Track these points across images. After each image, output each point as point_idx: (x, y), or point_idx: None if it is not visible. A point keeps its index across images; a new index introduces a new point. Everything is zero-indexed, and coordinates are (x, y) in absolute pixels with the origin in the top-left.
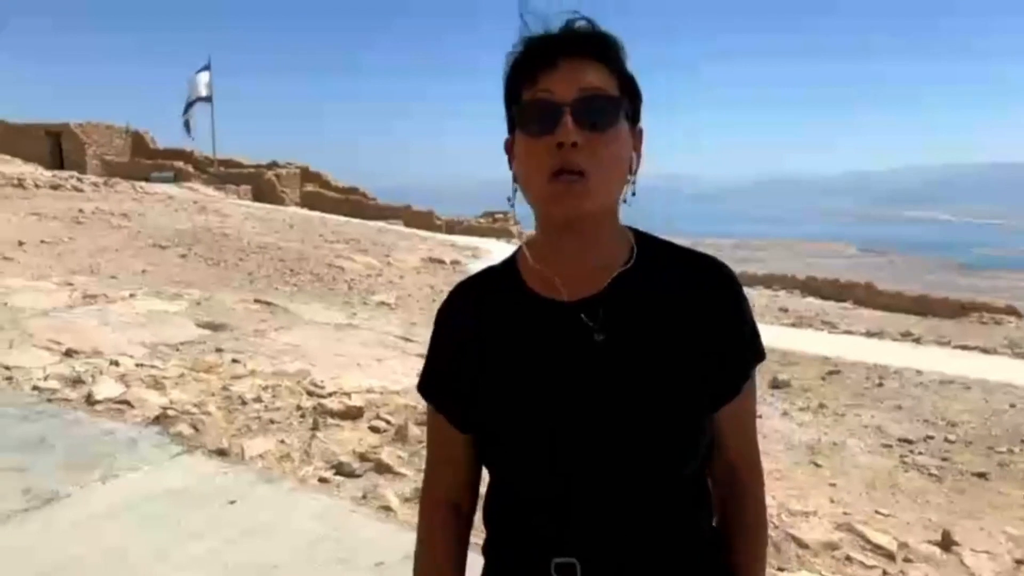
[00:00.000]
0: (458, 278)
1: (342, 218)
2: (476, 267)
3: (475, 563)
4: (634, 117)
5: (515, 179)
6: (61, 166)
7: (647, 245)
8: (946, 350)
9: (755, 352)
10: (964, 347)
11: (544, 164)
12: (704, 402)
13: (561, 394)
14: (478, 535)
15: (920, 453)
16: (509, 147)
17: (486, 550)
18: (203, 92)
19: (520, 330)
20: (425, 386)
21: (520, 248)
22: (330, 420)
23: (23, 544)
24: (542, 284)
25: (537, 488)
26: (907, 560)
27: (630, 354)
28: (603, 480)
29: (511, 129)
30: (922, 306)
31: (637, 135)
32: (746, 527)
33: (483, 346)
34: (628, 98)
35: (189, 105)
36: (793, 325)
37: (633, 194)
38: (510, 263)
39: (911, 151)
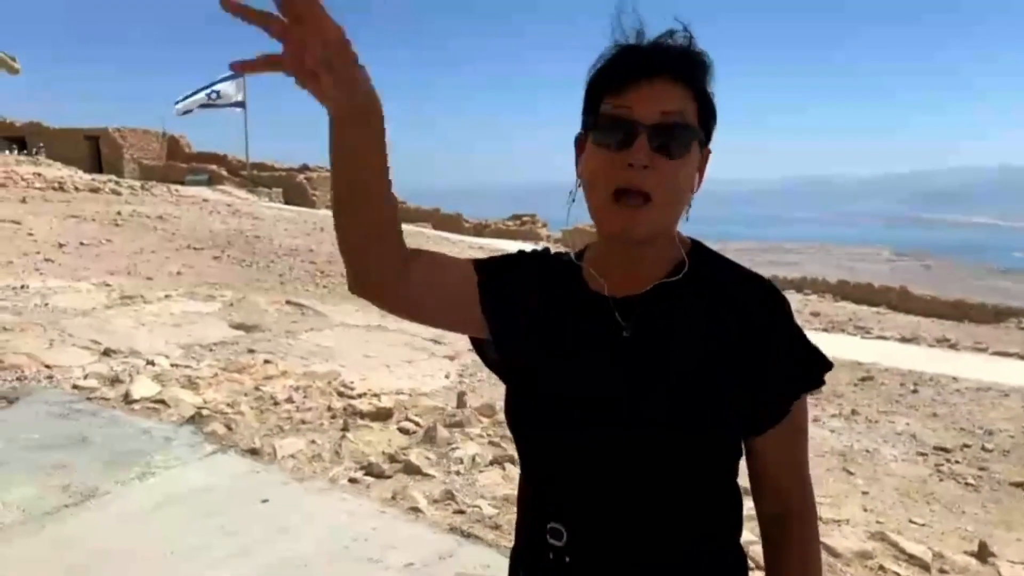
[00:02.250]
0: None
1: None
2: None
3: (487, 558)
4: (707, 140)
5: (579, 175)
6: (100, 170)
7: (701, 258)
8: (983, 356)
9: (805, 378)
10: (1002, 353)
11: (611, 178)
12: (723, 417)
13: (583, 378)
14: (489, 530)
15: (956, 462)
16: (581, 144)
17: (516, 527)
18: (238, 97)
19: (564, 312)
20: (480, 265)
21: (588, 245)
22: (360, 421)
23: (66, 537)
24: (593, 280)
25: (540, 455)
26: (942, 571)
27: (653, 355)
28: (600, 463)
29: (585, 127)
30: (958, 311)
31: (704, 156)
32: (787, 564)
33: (533, 310)
34: (704, 125)
35: (197, 99)
36: (825, 330)
37: (687, 216)
38: (580, 255)
39: (949, 153)
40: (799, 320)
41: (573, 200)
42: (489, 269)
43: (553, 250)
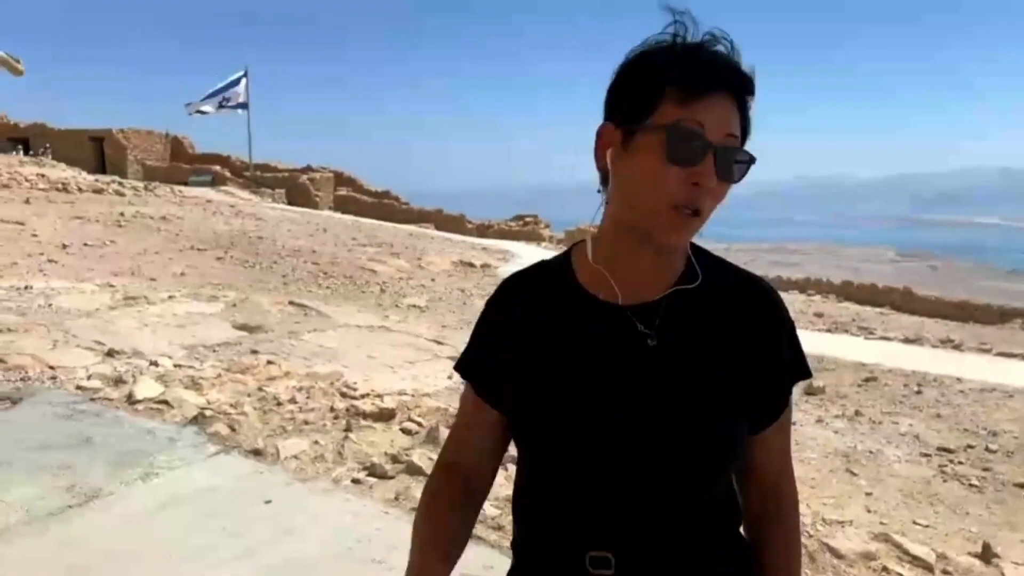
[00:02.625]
0: (489, 281)
1: (374, 221)
2: (507, 270)
3: (490, 558)
4: None
5: (604, 170)
6: (104, 170)
7: (704, 261)
8: (987, 357)
9: (796, 375)
10: (1007, 354)
11: (671, 193)
12: (742, 418)
13: (609, 392)
14: (491, 530)
15: (960, 463)
16: (607, 135)
17: (516, 546)
18: (242, 98)
19: (570, 326)
20: (465, 365)
21: (574, 246)
22: (363, 422)
23: (70, 538)
24: (596, 284)
25: (577, 480)
26: (946, 572)
27: (680, 362)
28: (640, 479)
29: (612, 116)
30: (963, 312)
31: None
32: (783, 543)
33: (531, 336)
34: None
35: (220, 105)
36: (828, 331)
37: None
38: (564, 259)
39: (949, 153)
40: (802, 320)
41: (607, 201)
42: (472, 364)
43: (551, 254)
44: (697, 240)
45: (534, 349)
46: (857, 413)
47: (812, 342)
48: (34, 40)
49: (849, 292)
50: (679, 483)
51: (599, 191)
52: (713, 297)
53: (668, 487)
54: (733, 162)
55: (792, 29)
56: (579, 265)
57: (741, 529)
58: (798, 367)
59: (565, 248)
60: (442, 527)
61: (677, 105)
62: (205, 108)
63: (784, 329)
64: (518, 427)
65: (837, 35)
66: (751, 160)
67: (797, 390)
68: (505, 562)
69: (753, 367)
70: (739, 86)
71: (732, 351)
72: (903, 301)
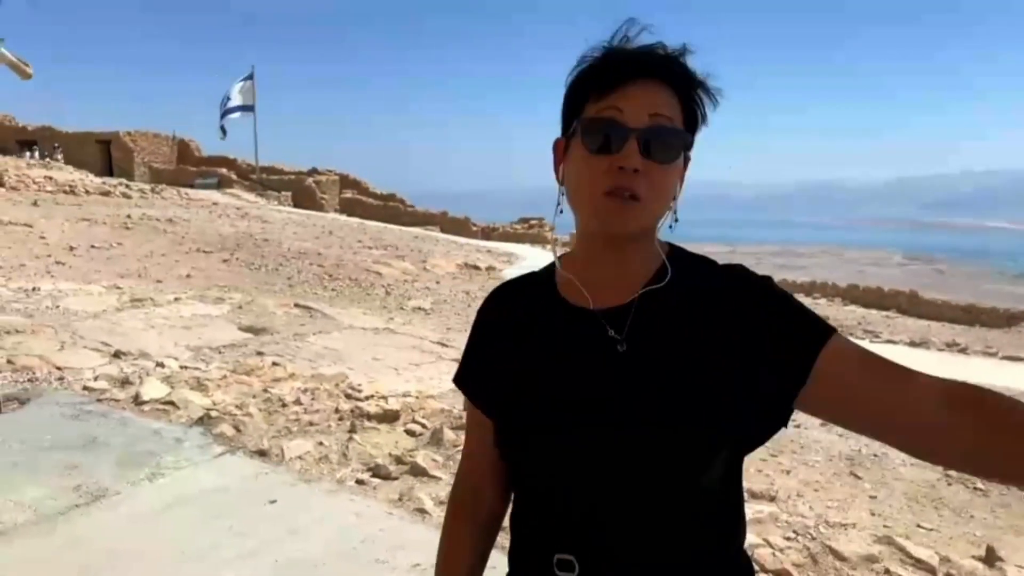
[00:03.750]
0: (493, 284)
1: (380, 224)
2: (511, 273)
3: (493, 559)
4: (688, 146)
5: (561, 182)
6: (110, 173)
7: (680, 261)
8: (993, 361)
9: (814, 330)
10: (1013, 358)
11: (600, 181)
12: (719, 419)
13: (578, 397)
14: (505, 537)
15: None
16: (560, 148)
17: (510, 556)
18: (247, 100)
19: (547, 333)
20: (460, 377)
21: (561, 256)
22: (367, 423)
23: (77, 537)
24: (573, 292)
25: (545, 485)
26: (949, 575)
27: (650, 365)
28: (606, 484)
29: (566, 132)
30: (969, 315)
31: (685, 162)
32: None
33: (513, 344)
34: (689, 129)
35: (226, 112)
36: None
37: (676, 220)
38: (549, 270)
39: (949, 153)
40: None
41: (561, 211)
42: (466, 377)
43: (553, 256)
44: (700, 245)
45: (514, 355)
46: None
47: None
48: (33, 40)
49: (855, 295)
50: (645, 489)
51: (557, 204)
52: (686, 295)
53: (634, 493)
54: (662, 141)
55: (793, 29)
56: (560, 275)
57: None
58: (812, 329)
59: (569, 250)
60: (459, 542)
61: (595, 102)
62: (232, 116)
63: (776, 297)
64: (497, 433)
65: (837, 35)
66: (684, 137)
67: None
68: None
69: (750, 351)
70: (663, 71)
71: (713, 347)
72: (909, 304)
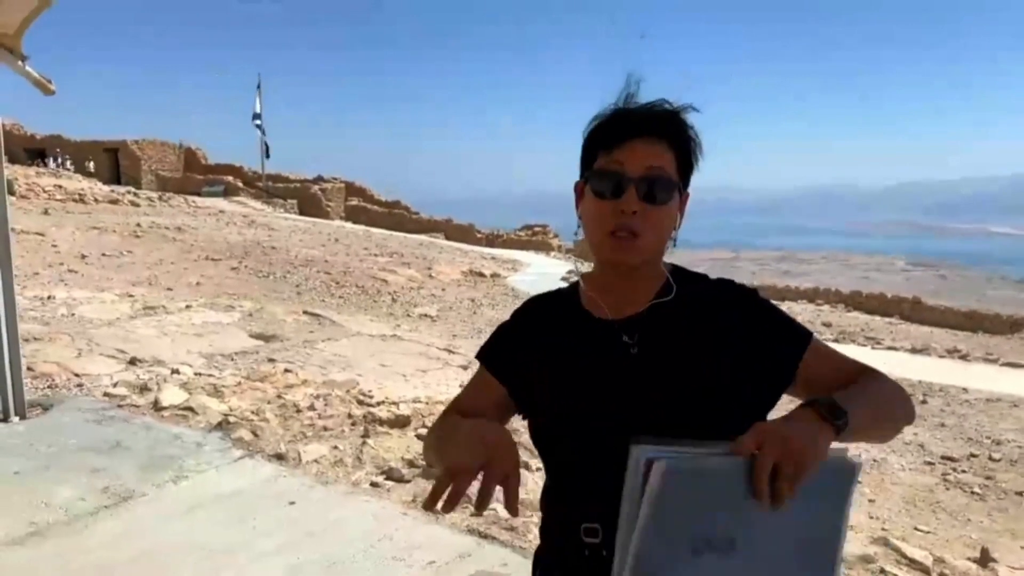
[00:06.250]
0: (498, 291)
1: (385, 231)
2: (516, 280)
3: (505, 557)
4: (685, 186)
5: (580, 217)
6: (118, 181)
7: (681, 278)
8: (994, 367)
9: (794, 340)
10: (1014, 364)
11: (607, 222)
12: (720, 412)
13: (599, 394)
14: (505, 531)
15: (963, 471)
16: (580, 190)
17: (540, 530)
18: (256, 109)
19: (572, 340)
20: (485, 352)
21: (583, 276)
22: (379, 428)
23: (107, 537)
24: (594, 306)
25: (572, 471)
26: (943, 575)
27: (660, 365)
28: (622, 468)
29: (584, 177)
30: (972, 322)
31: (684, 199)
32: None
33: (542, 348)
34: (682, 175)
35: (259, 126)
36: (835, 340)
37: (674, 244)
38: (573, 287)
39: (965, 161)
40: (812, 330)
41: (577, 236)
42: (490, 352)
43: (565, 266)
44: (705, 252)
45: (542, 358)
46: None
47: None
48: (34, 42)
49: (858, 302)
50: None
51: (575, 231)
52: (688, 306)
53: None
54: (656, 188)
55: (792, 29)
56: (583, 293)
57: None
58: (794, 331)
59: (573, 257)
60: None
61: (603, 156)
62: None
63: (761, 307)
64: (530, 425)
65: (837, 35)
66: (675, 184)
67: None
68: (519, 560)
69: (741, 355)
70: (658, 130)
71: (711, 348)
72: (913, 311)
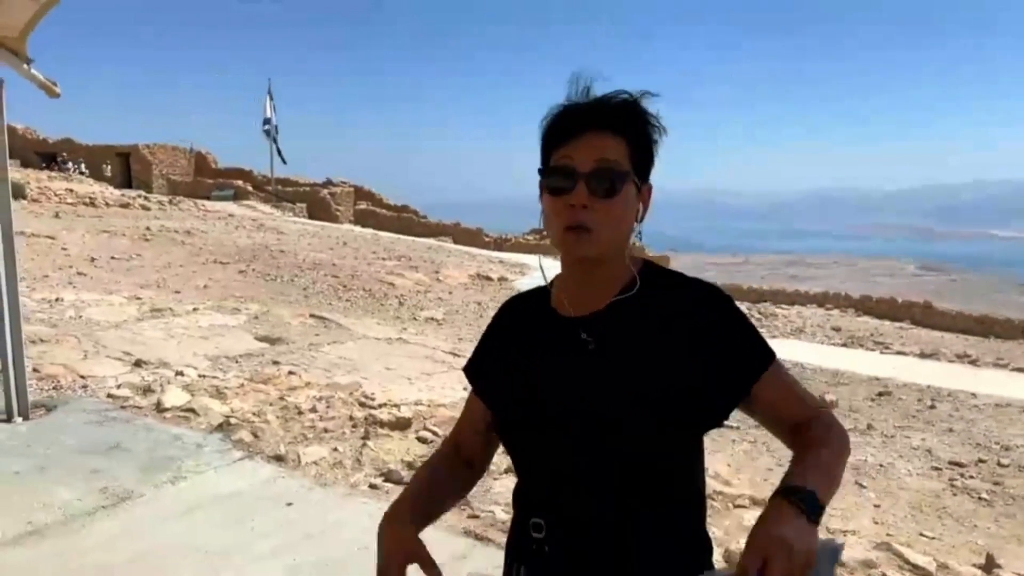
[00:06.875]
0: (505, 295)
1: (393, 235)
2: (523, 283)
3: (498, 559)
4: (644, 177)
5: (543, 213)
6: (129, 185)
7: (650, 275)
8: (1004, 372)
9: (757, 358)
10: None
11: (561, 217)
12: (675, 411)
13: (555, 389)
14: (500, 533)
15: (971, 477)
16: (543, 188)
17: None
18: (267, 114)
19: (536, 337)
20: (468, 367)
21: (555, 277)
22: (380, 430)
23: (104, 537)
24: (560, 304)
25: (528, 465)
26: None
27: (617, 362)
28: (573, 462)
29: (539, 173)
30: (982, 326)
31: (646, 192)
32: (816, 433)
33: (514, 348)
34: (639, 166)
35: (269, 132)
36: (844, 345)
37: (640, 236)
38: (549, 285)
39: (966, 166)
40: (818, 334)
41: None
42: (473, 368)
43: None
44: (712, 256)
45: (511, 356)
46: (869, 427)
47: (827, 356)
48: (36, 44)
49: (868, 306)
50: (602, 464)
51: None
52: (650, 304)
53: (597, 472)
54: (606, 182)
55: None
56: (553, 290)
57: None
58: (756, 352)
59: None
60: (430, 472)
61: (555, 152)
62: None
63: (731, 318)
64: (497, 425)
65: (837, 36)
66: (627, 176)
67: None
68: None
69: (700, 360)
70: (610, 122)
71: (670, 349)
72: (923, 315)
